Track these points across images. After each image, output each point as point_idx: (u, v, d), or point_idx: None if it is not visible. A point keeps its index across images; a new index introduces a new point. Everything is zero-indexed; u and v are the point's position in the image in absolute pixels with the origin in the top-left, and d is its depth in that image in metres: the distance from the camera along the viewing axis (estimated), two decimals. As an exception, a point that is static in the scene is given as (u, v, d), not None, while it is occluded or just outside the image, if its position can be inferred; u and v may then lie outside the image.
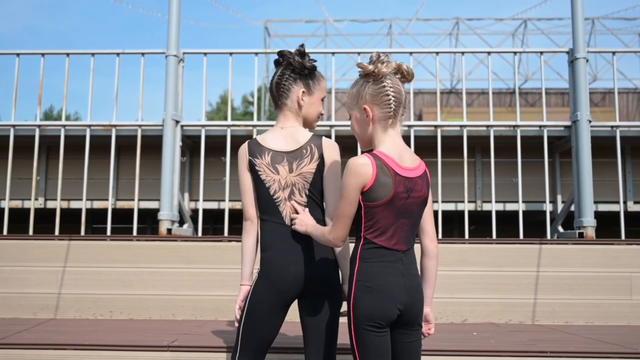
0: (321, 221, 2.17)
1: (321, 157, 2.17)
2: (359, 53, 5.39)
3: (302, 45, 2.27)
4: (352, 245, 1.98)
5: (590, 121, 4.76)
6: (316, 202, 2.18)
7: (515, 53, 5.49)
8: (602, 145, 5.15)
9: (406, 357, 1.94)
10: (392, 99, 1.92)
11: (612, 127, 5.02)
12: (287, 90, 2.25)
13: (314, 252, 2.13)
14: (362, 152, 1.97)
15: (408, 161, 1.92)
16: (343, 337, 2.06)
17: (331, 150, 2.19)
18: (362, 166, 1.86)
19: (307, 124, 2.30)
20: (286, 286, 2.11)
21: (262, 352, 2.17)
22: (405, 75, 1.96)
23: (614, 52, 5.16)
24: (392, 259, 1.88)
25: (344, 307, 2.04)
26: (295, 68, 2.23)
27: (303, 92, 2.24)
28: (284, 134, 2.22)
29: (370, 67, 1.93)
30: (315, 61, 2.27)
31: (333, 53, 5.34)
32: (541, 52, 5.28)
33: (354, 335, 1.86)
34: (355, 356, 1.87)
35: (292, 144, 2.19)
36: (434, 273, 2.04)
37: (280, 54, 2.28)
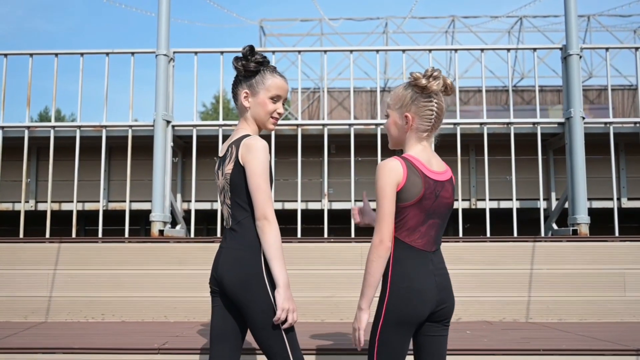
0: (240, 224, 2.06)
1: (237, 158, 2.09)
2: (351, 51, 5.37)
3: (247, 47, 2.19)
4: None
5: (583, 118, 4.74)
6: (239, 204, 2.08)
7: (508, 50, 5.48)
8: (596, 142, 5.13)
9: (434, 348, 1.97)
10: (435, 115, 2.00)
11: (605, 123, 5.00)
12: (234, 94, 2.23)
13: (232, 254, 2.05)
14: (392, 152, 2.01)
15: (436, 166, 2.00)
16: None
17: (244, 149, 2.06)
18: (395, 166, 1.93)
19: (260, 125, 2.22)
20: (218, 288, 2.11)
21: None
22: (447, 91, 2.03)
23: (607, 48, 5.14)
24: (423, 259, 1.93)
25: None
26: (239, 72, 2.19)
27: (246, 93, 2.19)
28: (229, 139, 2.21)
29: (424, 81, 1.98)
30: (262, 59, 2.18)
31: (325, 51, 5.31)
32: (535, 49, 5.26)
33: (379, 334, 1.90)
34: (373, 354, 1.90)
35: (225, 147, 2.18)
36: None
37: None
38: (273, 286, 1.98)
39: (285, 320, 1.97)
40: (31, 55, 4.99)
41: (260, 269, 2.01)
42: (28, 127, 4.99)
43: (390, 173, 1.91)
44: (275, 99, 2.18)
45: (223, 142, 4.86)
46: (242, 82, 2.19)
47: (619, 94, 13.88)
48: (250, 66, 2.16)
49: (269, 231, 1.99)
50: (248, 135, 2.12)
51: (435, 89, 1.98)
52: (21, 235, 4.72)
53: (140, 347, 3.13)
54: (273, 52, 5.51)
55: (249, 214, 2.07)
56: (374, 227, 1.94)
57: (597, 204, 5.44)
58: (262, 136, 2.18)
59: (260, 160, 2.04)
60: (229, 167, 2.10)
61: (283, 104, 2.24)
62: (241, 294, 2.01)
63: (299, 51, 5.45)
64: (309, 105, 15.82)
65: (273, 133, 4.87)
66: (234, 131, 2.22)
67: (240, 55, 2.19)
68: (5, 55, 4.98)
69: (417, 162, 1.95)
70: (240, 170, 2.07)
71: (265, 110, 2.18)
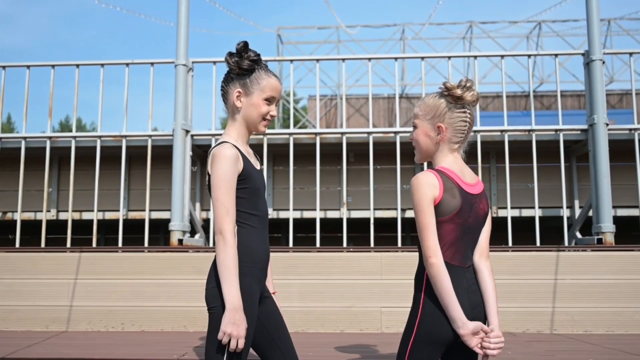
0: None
1: (208, 167, 2.00)
2: (370, 59, 5.34)
3: (241, 43, 2.07)
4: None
5: (607, 124, 4.65)
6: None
7: (529, 56, 5.40)
8: (620, 149, 5.03)
9: None
10: (468, 126, 1.96)
11: (630, 130, 4.90)
12: (224, 92, 2.11)
13: (211, 267, 1.98)
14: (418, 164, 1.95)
15: (469, 178, 1.95)
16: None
17: (210, 158, 1.97)
18: (430, 179, 1.86)
19: (250, 127, 2.09)
20: None
21: None
22: (476, 101, 2.00)
23: (631, 54, 5.06)
24: (458, 276, 1.86)
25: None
26: (232, 69, 2.06)
27: (238, 92, 2.06)
28: None
29: (459, 91, 1.93)
30: (257, 57, 2.06)
31: (344, 59, 5.29)
32: (556, 55, 5.19)
33: (409, 353, 1.84)
34: None
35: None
36: (493, 287, 1.95)
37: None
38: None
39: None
40: (53, 66, 5.05)
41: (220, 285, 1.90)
42: (50, 138, 5.03)
43: (426, 187, 1.85)
44: (269, 100, 2.07)
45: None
46: (235, 80, 2.07)
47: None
48: (244, 64, 2.04)
49: (222, 248, 1.87)
50: (222, 143, 1.99)
51: (469, 100, 1.93)
52: (43, 244, 4.76)
53: (159, 357, 3.12)
54: (291, 60, 5.52)
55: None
56: (421, 244, 1.85)
57: (622, 212, 5.33)
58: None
59: (221, 172, 1.93)
60: (207, 178, 2.03)
61: (276, 106, 2.12)
62: (207, 303, 1.93)
63: (317, 60, 5.44)
64: (326, 113, 15.82)
65: (292, 142, 4.86)
66: None
67: (234, 51, 2.06)
68: (28, 66, 5.04)
69: (452, 174, 1.90)
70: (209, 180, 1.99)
71: (258, 112, 2.06)
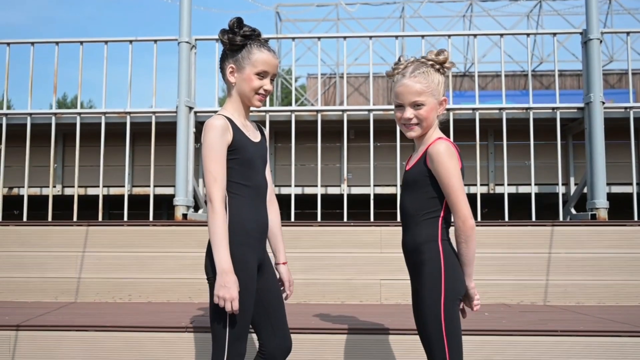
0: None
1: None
2: (370, 37, 5.40)
3: (234, 19, 2.09)
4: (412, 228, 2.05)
5: (603, 103, 4.74)
6: None
7: (528, 35, 5.45)
8: (616, 127, 5.13)
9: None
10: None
11: (625, 108, 4.99)
12: (221, 69, 2.15)
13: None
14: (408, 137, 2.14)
15: None
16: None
17: (203, 130, 2.04)
18: (453, 149, 2.01)
19: (245, 102, 2.13)
20: None
21: None
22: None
23: (628, 33, 5.12)
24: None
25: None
26: (225, 45, 2.10)
27: (231, 68, 2.10)
28: None
29: (450, 63, 2.06)
30: (251, 32, 2.08)
31: (345, 37, 5.34)
32: (554, 34, 5.25)
33: (444, 310, 1.96)
34: (442, 331, 1.95)
35: None
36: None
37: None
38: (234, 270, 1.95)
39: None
40: (57, 43, 5.10)
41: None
42: (55, 114, 5.11)
43: (453, 155, 1.99)
44: (261, 74, 2.08)
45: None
46: (229, 56, 2.10)
47: (640, 78, 13.70)
48: (236, 40, 2.06)
49: (210, 215, 1.95)
50: (214, 115, 2.06)
51: (450, 68, 2.07)
52: (49, 219, 4.87)
53: (168, 325, 3.25)
54: (293, 38, 5.57)
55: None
56: (454, 209, 1.98)
57: (616, 189, 5.45)
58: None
59: (209, 141, 1.98)
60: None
61: (272, 81, 2.13)
62: (206, 272, 2.05)
63: (318, 37, 5.49)
64: (324, 91, 15.83)
65: (294, 119, 4.95)
66: None
67: (227, 28, 2.09)
68: (32, 43, 5.09)
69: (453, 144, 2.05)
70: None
71: (250, 86, 2.08)
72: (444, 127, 2.24)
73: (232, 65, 2.10)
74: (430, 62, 2.04)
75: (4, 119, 5.12)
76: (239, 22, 2.09)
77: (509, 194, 5.06)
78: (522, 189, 5.51)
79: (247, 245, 2.04)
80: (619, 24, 15.24)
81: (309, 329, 3.16)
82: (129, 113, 5.06)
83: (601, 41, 4.82)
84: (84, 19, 62.38)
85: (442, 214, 2.04)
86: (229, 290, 1.91)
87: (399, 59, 2.08)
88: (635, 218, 4.67)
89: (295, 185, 5.27)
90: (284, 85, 18.45)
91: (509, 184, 5.10)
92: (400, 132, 4.92)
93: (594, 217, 4.59)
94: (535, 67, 15.08)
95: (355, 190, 5.66)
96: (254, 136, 2.15)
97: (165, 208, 7.03)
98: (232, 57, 2.10)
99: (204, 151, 1.99)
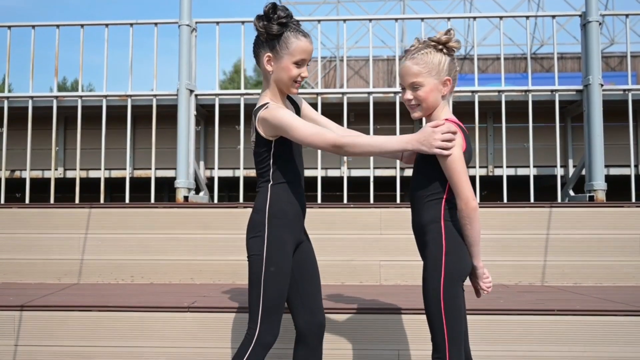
0: (259, 189, 2.22)
1: (256, 128, 2.13)
2: (370, 20, 5.39)
3: (269, 5, 2.06)
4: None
5: (602, 85, 4.75)
6: (258, 172, 2.25)
7: (527, 17, 5.44)
8: (615, 109, 5.14)
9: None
10: (457, 73, 2.11)
11: (624, 90, 5.01)
12: (256, 56, 2.16)
13: (250, 217, 2.23)
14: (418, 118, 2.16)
15: None
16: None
17: (261, 121, 2.10)
18: (459, 131, 2.02)
19: (283, 89, 2.16)
20: None
21: None
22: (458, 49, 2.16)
23: (627, 15, 5.13)
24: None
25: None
26: (261, 34, 2.08)
27: (268, 57, 2.10)
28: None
29: (454, 43, 2.05)
30: (286, 18, 2.06)
31: (345, 20, 5.33)
32: (554, 16, 5.24)
33: (444, 291, 1.98)
34: (441, 311, 1.97)
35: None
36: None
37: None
38: (270, 248, 2.08)
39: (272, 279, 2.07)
40: (58, 26, 5.09)
41: (262, 231, 2.11)
42: (56, 97, 5.13)
43: (458, 138, 1.99)
44: (299, 63, 2.10)
45: (244, 111, 4.97)
46: (265, 44, 2.09)
47: (641, 61, 13.66)
48: (273, 29, 2.05)
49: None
50: (265, 106, 2.09)
51: (458, 48, 2.07)
52: (52, 201, 4.91)
53: (171, 305, 3.30)
54: (292, 21, 5.55)
55: (263, 180, 2.19)
56: (456, 191, 2.00)
57: (614, 171, 5.48)
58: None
59: (284, 116, 2.05)
60: (252, 137, 2.16)
61: (307, 66, 2.15)
62: (247, 251, 2.16)
63: (319, 20, 5.49)
64: (325, 75, 15.79)
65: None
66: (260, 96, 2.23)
67: (262, 14, 2.07)
68: (33, 26, 5.09)
69: (461, 124, 2.06)
70: (260, 141, 2.15)
71: (289, 75, 2.10)
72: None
73: (268, 54, 2.11)
74: (433, 43, 2.06)
75: (6, 102, 5.13)
76: (274, 7, 2.06)
77: (508, 176, 5.10)
78: (521, 171, 5.54)
79: (285, 226, 2.15)
80: (621, 6, 15.13)
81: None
82: (130, 96, 5.08)
83: (600, 23, 4.82)
84: (85, 6, 61.99)
85: (445, 196, 2.06)
86: (425, 135, 1.97)
87: (415, 41, 2.12)
88: (633, 199, 4.71)
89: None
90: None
91: (507, 166, 5.13)
92: (400, 114, 4.96)
93: (591, 198, 4.63)
94: (536, 50, 15.02)
95: (355, 173, 5.69)
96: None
97: (166, 190, 7.07)
98: (269, 45, 2.09)
99: (294, 124, 2.04)
